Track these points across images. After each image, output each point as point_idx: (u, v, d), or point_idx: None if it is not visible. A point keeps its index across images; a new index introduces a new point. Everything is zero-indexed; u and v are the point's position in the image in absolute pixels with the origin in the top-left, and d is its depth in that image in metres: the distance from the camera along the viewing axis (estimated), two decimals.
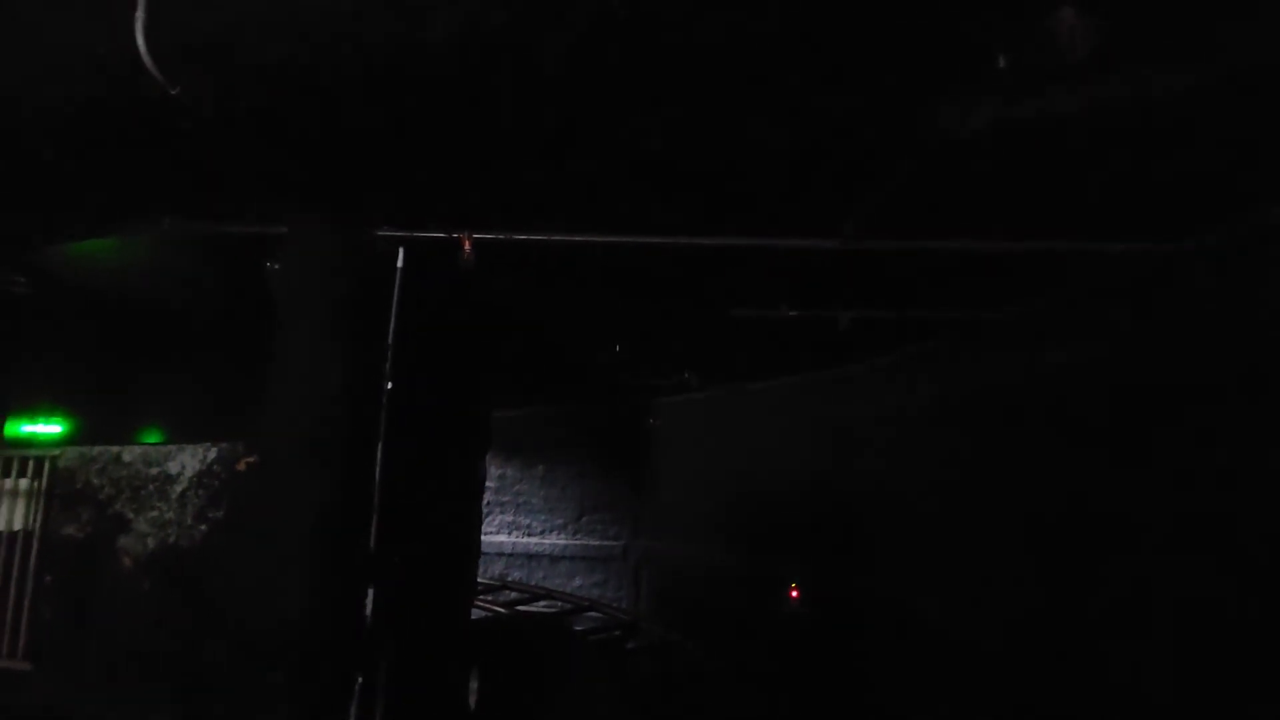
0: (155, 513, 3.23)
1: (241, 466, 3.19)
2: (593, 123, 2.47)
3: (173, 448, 3.30)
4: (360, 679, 3.33)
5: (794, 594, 7.61)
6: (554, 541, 12.68)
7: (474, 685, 5.23)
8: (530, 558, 12.66)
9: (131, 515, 3.27)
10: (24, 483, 3.78)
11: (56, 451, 3.58)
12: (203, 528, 3.17)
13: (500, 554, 12.34)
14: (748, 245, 3.62)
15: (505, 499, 12.76)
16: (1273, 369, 3.13)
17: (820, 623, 7.16)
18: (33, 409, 4.61)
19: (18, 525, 3.74)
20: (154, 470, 3.30)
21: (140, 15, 2.12)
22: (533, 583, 12.12)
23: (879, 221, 3.32)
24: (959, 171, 2.92)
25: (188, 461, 3.26)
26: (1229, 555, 3.38)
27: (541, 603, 11.11)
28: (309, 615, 3.09)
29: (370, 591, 3.40)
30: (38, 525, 3.66)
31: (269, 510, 3.12)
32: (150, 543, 3.22)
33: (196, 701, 3.07)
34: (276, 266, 3.92)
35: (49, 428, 4.71)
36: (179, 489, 3.24)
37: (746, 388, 8.90)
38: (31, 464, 3.78)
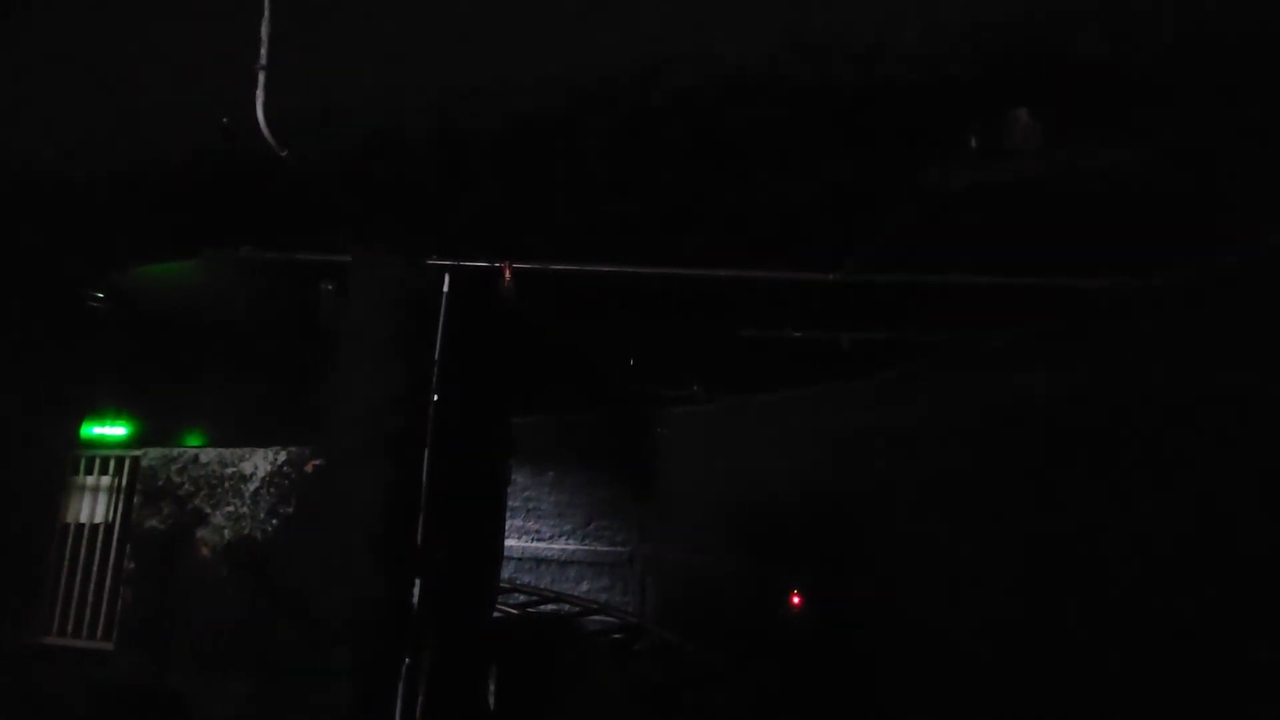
0: (231, 508, 3.65)
1: (309, 468, 3.61)
2: (627, 178, 2.90)
3: (245, 450, 3.72)
4: (407, 661, 3.73)
5: (795, 600, 7.96)
6: (563, 546, 13.03)
7: (493, 677, 5.61)
8: (539, 562, 13.02)
9: (209, 510, 3.69)
10: (105, 480, 4.21)
11: (138, 452, 4.01)
12: (274, 522, 3.59)
13: (510, 558, 12.69)
14: (758, 277, 4.04)
15: (516, 504, 13.12)
16: (1221, 392, 3.53)
17: (820, 626, 7.52)
18: (102, 412, 5.04)
19: (99, 518, 4.17)
20: (229, 470, 3.72)
21: (260, 94, 2.57)
22: (541, 586, 12.48)
23: (876, 259, 3.74)
24: (947, 219, 3.33)
25: (260, 463, 3.68)
26: (1191, 559, 3.76)
27: (550, 605, 11.48)
28: (368, 602, 3.50)
29: (417, 583, 3.81)
30: (118, 518, 4.09)
31: (333, 507, 3.54)
32: (226, 534, 3.63)
33: (267, 676, 3.48)
34: (330, 288, 4.37)
35: (116, 429, 5.14)
36: (252, 487, 3.66)
37: (751, 400, 9.30)
38: (113, 463, 4.22)
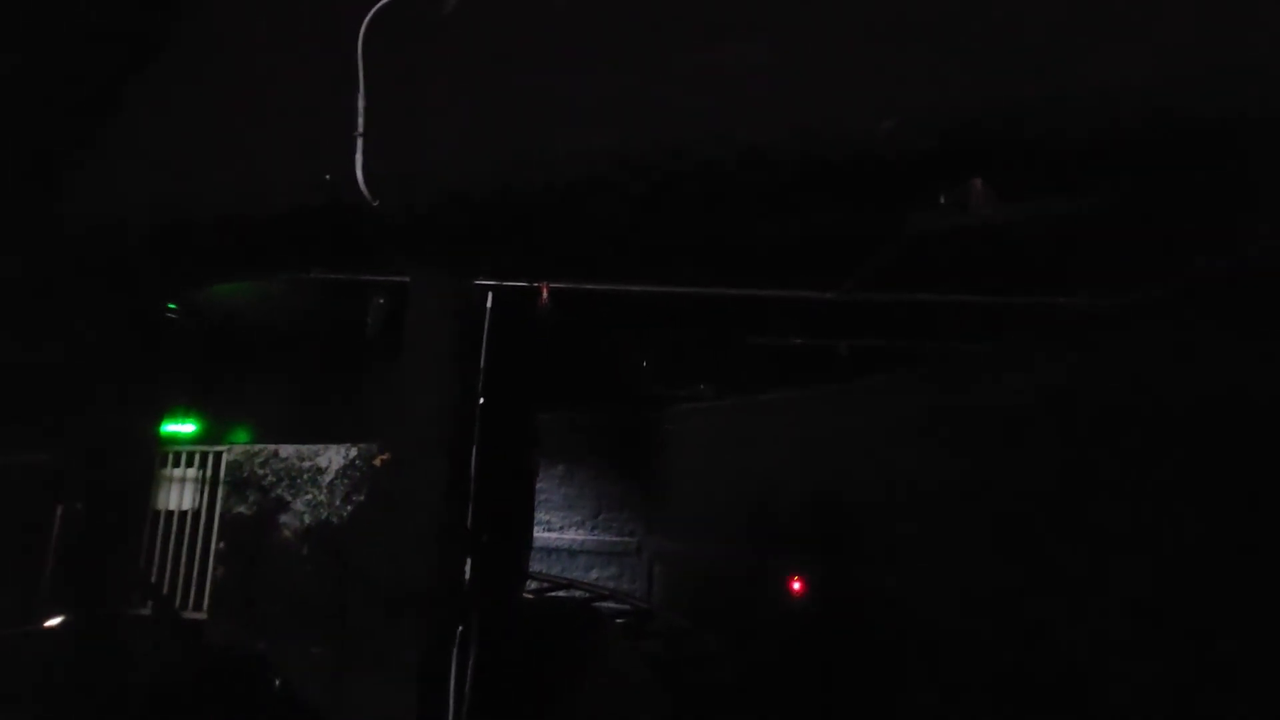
0: (309, 496, 4.24)
1: (377, 462, 4.19)
2: (654, 223, 3.47)
3: (320, 446, 4.31)
4: (460, 628, 4.32)
5: (796, 586, 8.55)
6: (573, 537, 13.62)
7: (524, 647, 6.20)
8: (550, 551, 13.61)
9: (290, 498, 4.28)
10: (191, 471, 4.80)
11: (222, 448, 4.59)
12: (348, 508, 4.17)
13: None
14: (765, 296, 4.61)
15: None
16: (1182, 399, 4.11)
17: (818, 612, 8.12)
18: (175, 412, 5.62)
19: (186, 506, 4.76)
20: (306, 464, 4.30)
21: (359, 156, 3.14)
22: (552, 574, 13.09)
23: (870, 280, 4.31)
24: (929, 251, 3.90)
25: (334, 457, 4.26)
26: (1161, 552, 4.33)
27: (562, 592, 12.10)
28: (429, 577, 4.08)
29: (468, 561, 4.39)
30: (204, 505, 4.68)
31: (399, 496, 4.12)
32: (306, 519, 4.22)
33: (342, 641, 4.06)
34: (381, 301, 4.94)
35: (186, 427, 5.72)
36: (328, 478, 4.24)
37: (755, 399, 9.88)
38: (197, 457, 4.80)
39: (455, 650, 4.29)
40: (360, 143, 3.13)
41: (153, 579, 4.36)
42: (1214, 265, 4.03)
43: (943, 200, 3.02)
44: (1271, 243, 3.64)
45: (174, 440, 5.41)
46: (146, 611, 4.56)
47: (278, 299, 5.62)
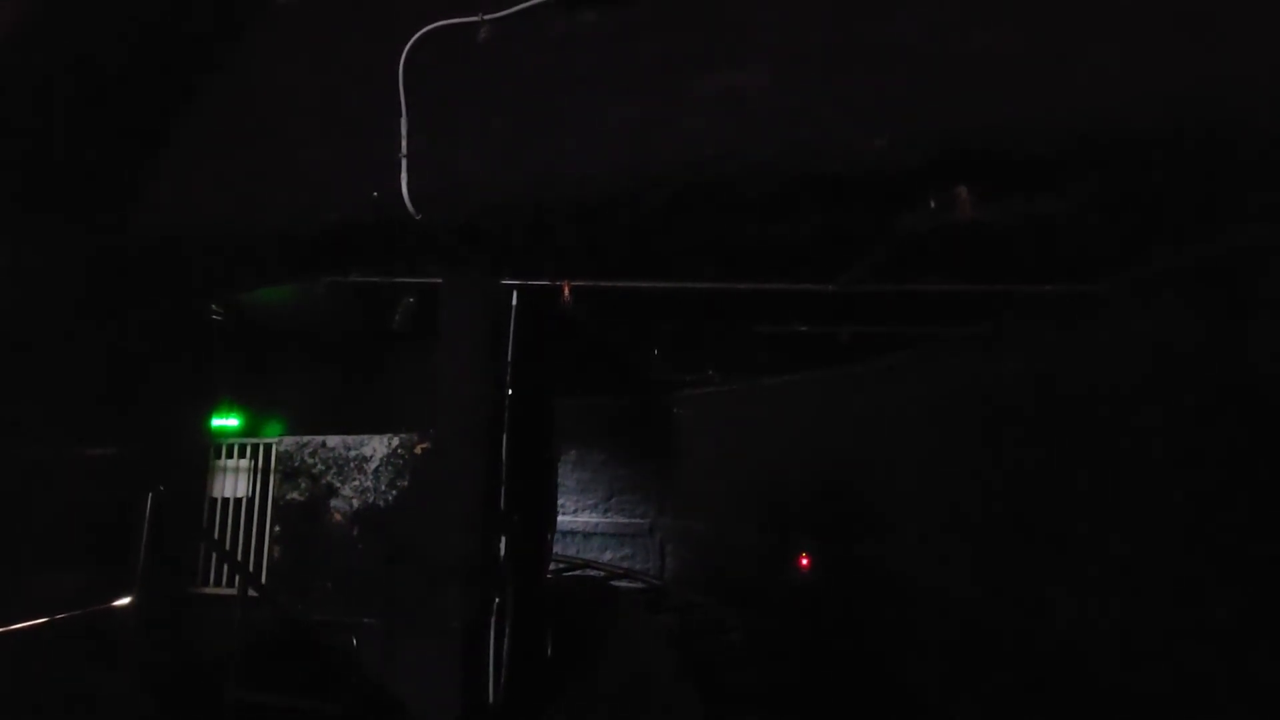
0: (356, 482, 4.64)
1: (418, 450, 4.58)
2: (670, 229, 3.82)
3: (365, 437, 4.70)
4: (497, 600, 4.74)
5: (804, 562, 8.97)
6: (586, 519, 14.07)
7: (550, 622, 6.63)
8: (565, 534, 14.06)
9: (339, 484, 4.68)
10: (244, 462, 5.20)
11: (274, 439, 4.99)
12: (393, 493, 4.57)
13: None
14: (769, 289, 4.95)
15: None
16: (1158, 382, 4.46)
17: (824, 587, 8.54)
18: (220, 407, 6.03)
19: (240, 493, 5.17)
20: (352, 453, 4.69)
21: (404, 175, 3.49)
22: (568, 555, 13.56)
23: (867, 273, 4.65)
24: (920, 245, 4.23)
25: (378, 447, 4.65)
26: (1140, 525, 4.70)
27: (579, 571, 12.58)
28: (468, 554, 4.49)
29: (502, 540, 4.80)
30: (257, 492, 5.09)
31: (439, 480, 4.51)
32: (354, 503, 4.62)
33: (392, 609, 4.48)
34: (411, 300, 5.30)
35: (230, 420, 6.13)
36: (373, 465, 4.64)
37: (761, 383, 10.24)
38: (249, 448, 5.20)
39: (493, 619, 4.72)
40: (405, 163, 3.47)
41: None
42: (1182, 254, 4.36)
43: (931, 204, 3.36)
44: (1235, 235, 3.96)
45: (221, 434, 5.82)
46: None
47: (313, 300, 5.99)
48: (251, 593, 4.87)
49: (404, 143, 3.48)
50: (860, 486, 8.11)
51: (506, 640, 4.71)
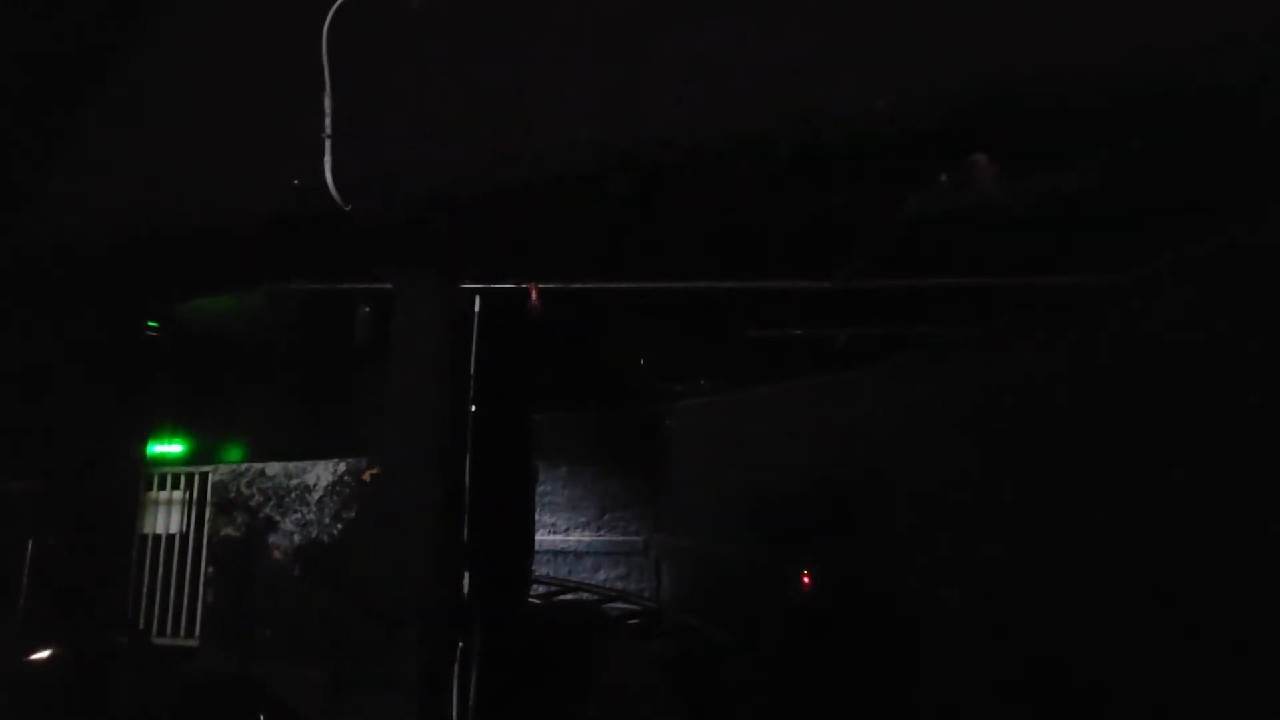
0: (298, 515, 4.10)
1: (366, 477, 4.05)
2: (644, 218, 3.33)
3: (308, 463, 4.17)
4: (460, 644, 4.19)
5: (805, 580, 8.44)
6: (578, 538, 13.52)
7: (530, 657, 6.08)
8: (557, 554, 13.50)
9: (279, 518, 4.14)
10: (176, 494, 4.66)
11: (208, 468, 4.45)
12: (339, 526, 4.04)
13: None
14: (759, 287, 4.47)
15: None
16: (1174, 379, 3.98)
17: (828, 607, 8.00)
18: (161, 431, 5.48)
19: (174, 529, 4.63)
20: (294, 481, 4.16)
21: (328, 158, 2.99)
22: (560, 576, 12.99)
23: (866, 267, 4.17)
24: (927, 235, 3.76)
25: (322, 474, 4.13)
26: (1159, 529, 4.21)
27: (570, 595, 11.99)
28: (426, 593, 3.95)
29: (466, 575, 4.26)
30: (192, 528, 4.55)
31: (391, 511, 3.98)
32: (296, 538, 4.09)
33: (340, 662, 3.94)
34: (367, 310, 4.79)
35: (173, 447, 5.59)
36: (316, 495, 4.11)
37: (755, 392, 9.75)
38: (183, 478, 4.66)
39: (457, 667, 4.17)
40: (329, 144, 2.98)
41: (128, 607, 4.23)
42: (1206, 245, 3.90)
43: (944, 179, 2.88)
44: (1265, 224, 3.50)
45: (161, 461, 5.28)
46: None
47: (263, 312, 5.47)
48: (188, 644, 4.34)
49: (328, 122, 2.98)
50: (866, 497, 7.60)
51: (473, 690, 4.16)
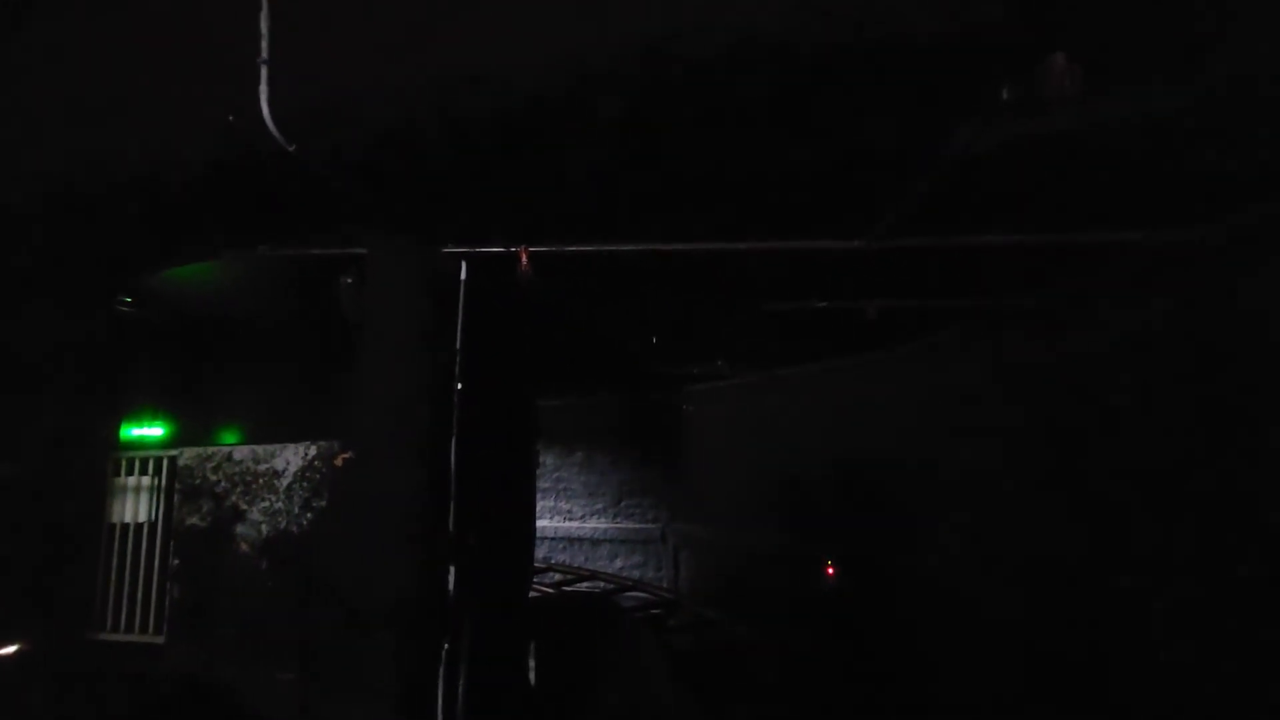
0: (266, 503, 3.72)
1: (339, 462, 3.65)
2: (641, 155, 2.82)
3: (277, 446, 3.77)
4: (446, 645, 3.79)
5: (830, 571, 7.94)
6: (594, 525, 13.17)
7: (533, 654, 5.68)
8: (572, 541, 13.18)
9: (246, 506, 3.76)
10: (145, 480, 4.32)
11: (174, 452, 4.09)
12: (309, 515, 3.65)
13: (544, 538, 12.85)
14: (780, 248, 3.93)
15: (546, 485, 13.27)
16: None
17: (854, 599, 7.49)
18: (140, 414, 5.16)
19: (142, 517, 4.29)
20: (262, 466, 3.78)
21: (264, 90, 2.53)
22: (575, 565, 12.66)
23: (904, 225, 3.61)
24: (977, 179, 3.19)
25: (291, 458, 3.73)
26: (1241, 524, 3.62)
27: (585, 584, 11.64)
28: (405, 589, 3.55)
29: (451, 569, 3.84)
30: (160, 516, 4.20)
31: (366, 499, 3.58)
32: (264, 529, 3.71)
33: (311, 663, 3.56)
34: (350, 281, 4.36)
35: (154, 430, 5.26)
36: (285, 482, 3.71)
37: (776, 374, 9.19)
38: (151, 463, 4.31)
39: (442, 670, 3.76)
40: (265, 71, 2.52)
41: (93, 601, 3.90)
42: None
43: (1005, 96, 2.32)
44: None
45: (138, 445, 4.96)
46: (106, 636, 4.12)
47: (244, 286, 5.09)
48: (155, 640, 4.01)
49: (264, 45, 2.52)
50: (894, 485, 7.04)
51: (460, 697, 3.76)
